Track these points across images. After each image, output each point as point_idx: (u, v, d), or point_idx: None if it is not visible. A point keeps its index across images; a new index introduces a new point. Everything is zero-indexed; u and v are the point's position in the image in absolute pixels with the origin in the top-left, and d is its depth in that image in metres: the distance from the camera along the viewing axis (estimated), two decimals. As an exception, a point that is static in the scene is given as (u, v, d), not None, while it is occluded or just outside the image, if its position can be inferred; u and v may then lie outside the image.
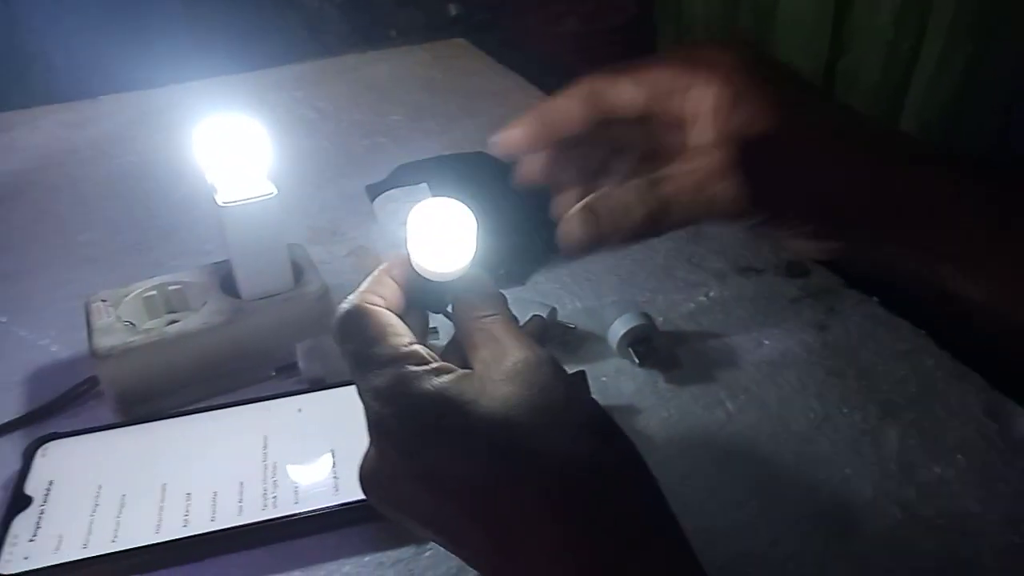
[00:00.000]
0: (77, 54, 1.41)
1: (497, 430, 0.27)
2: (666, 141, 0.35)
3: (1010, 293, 0.35)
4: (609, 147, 0.37)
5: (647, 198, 0.32)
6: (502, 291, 0.32)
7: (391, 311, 0.32)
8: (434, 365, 0.29)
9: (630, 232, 0.33)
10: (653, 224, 0.33)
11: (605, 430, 0.28)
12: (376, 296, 0.32)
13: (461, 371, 0.29)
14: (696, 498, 0.37)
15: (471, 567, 0.29)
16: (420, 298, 0.33)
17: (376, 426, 0.29)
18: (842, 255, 0.37)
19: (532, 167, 0.37)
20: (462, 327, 0.31)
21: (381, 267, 0.34)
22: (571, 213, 0.33)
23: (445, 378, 0.28)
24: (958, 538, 0.35)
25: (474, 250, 0.32)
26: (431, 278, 0.32)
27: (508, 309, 0.32)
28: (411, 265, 0.33)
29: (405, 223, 0.39)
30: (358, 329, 0.30)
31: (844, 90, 1.07)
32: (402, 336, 0.30)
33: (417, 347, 0.30)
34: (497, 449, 0.27)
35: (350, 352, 0.30)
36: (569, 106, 0.35)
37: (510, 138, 0.36)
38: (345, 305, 0.31)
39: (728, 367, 0.45)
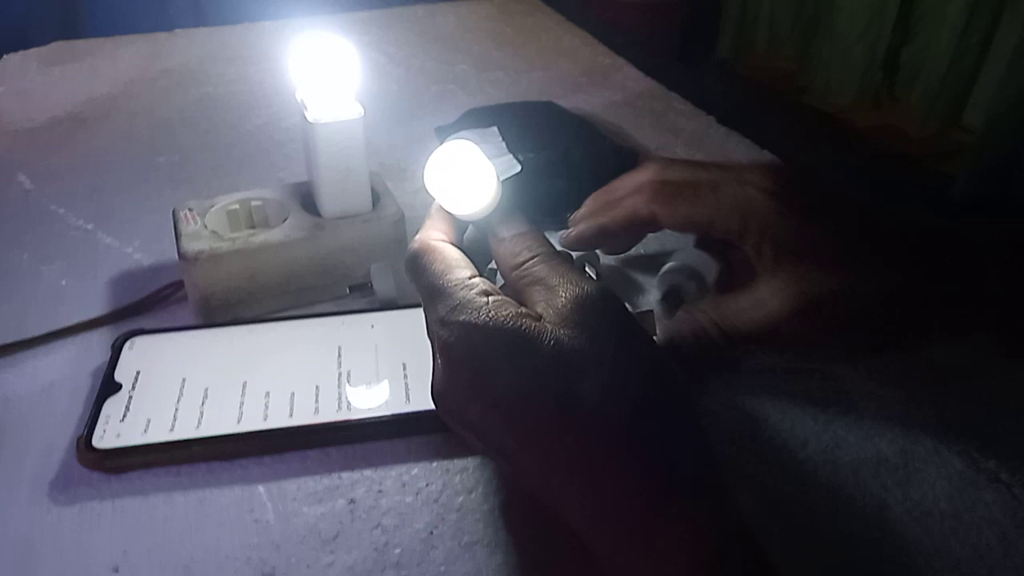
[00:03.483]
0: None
1: (552, 372, 0.28)
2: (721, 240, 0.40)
3: None
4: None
5: (711, 335, 0.38)
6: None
7: (453, 244, 0.33)
8: (496, 299, 0.30)
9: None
10: (713, 352, 0.38)
11: (656, 371, 0.29)
12: (437, 231, 0.34)
13: (523, 310, 0.29)
14: (755, 437, 0.38)
15: (527, 490, 0.31)
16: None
17: (444, 351, 0.30)
18: None
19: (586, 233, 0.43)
20: (507, 279, 0.33)
21: (433, 207, 0.35)
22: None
23: (507, 312, 0.29)
24: (1020, 490, 0.35)
25: (494, 183, 0.33)
26: (467, 219, 0.34)
27: (549, 244, 0.33)
28: None
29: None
30: (426, 264, 0.32)
31: (906, 81, 1.04)
32: (465, 269, 0.32)
33: (479, 279, 0.31)
34: (553, 389, 0.28)
35: (422, 287, 0.32)
36: (633, 218, 0.40)
37: (579, 232, 0.42)
38: (414, 245, 0.33)
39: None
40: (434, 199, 0.35)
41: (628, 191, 0.41)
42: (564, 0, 1.02)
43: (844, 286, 0.36)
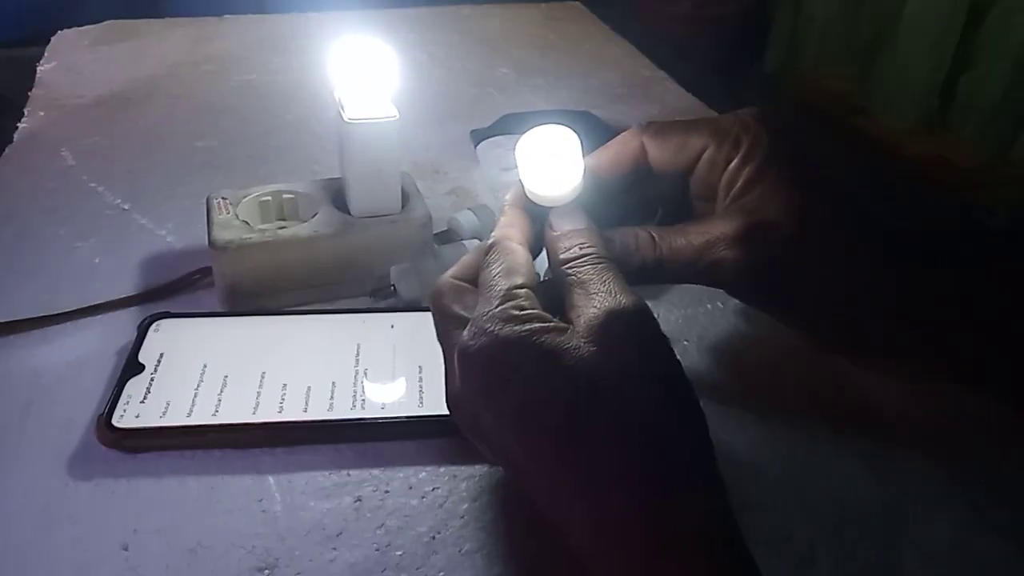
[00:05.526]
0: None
1: (568, 387, 0.28)
2: (696, 197, 0.38)
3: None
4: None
5: (645, 250, 0.35)
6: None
7: (523, 246, 0.33)
8: (528, 312, 0.30)
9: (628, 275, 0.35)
10: (647, 274, 0.35)
11: (675, 399, 0.29)
12: (513, 229, 0.34)
13: (549, 324, 0.29)
14: (764, 479, 0.38)
15: (533, 503, 0.31)
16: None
17: (462, 357, 0.30)
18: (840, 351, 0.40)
19: None
20: (555, 273, 0.32)
21: (508, 200, 0.35)
22: None
23: (531, 326, 0.29)
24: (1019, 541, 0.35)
25: (581, 174, 0.33)
26: (542, 203, 0.34)
27: (601, 245, 0.32)
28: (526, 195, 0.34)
29: (507, 169, 0.39)
30: (490, 261, 0.32)
31: (961, 108, 1.02)
32: (519, 277, 0.31)
33: (523, 291, 0.31)
34: (566, 404, 0.28)
35: (481, 281, 0.32)
36: (621, 152, 0.38)
37: None
38: (490, 239, 0.33)
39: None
40: (513, 185, 0.35)
41: (614, 142, 0.39)
42: (610, 8, 1.02)
43: (789, 232, 0.35)
